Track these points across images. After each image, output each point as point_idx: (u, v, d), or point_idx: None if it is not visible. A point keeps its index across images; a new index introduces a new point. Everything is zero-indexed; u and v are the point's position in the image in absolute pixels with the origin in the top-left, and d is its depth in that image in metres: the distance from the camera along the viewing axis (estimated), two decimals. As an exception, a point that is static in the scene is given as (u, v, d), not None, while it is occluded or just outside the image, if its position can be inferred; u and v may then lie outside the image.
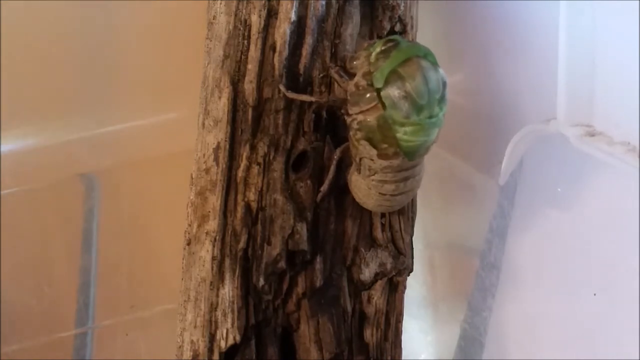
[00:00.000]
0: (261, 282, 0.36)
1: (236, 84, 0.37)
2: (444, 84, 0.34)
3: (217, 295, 0.37)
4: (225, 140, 0.37)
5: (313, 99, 0.37)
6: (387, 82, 0.33)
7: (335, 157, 0.37)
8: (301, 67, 0.37)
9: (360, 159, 0.35)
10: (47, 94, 0.52)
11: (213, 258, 0.37)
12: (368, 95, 0.34)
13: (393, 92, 0.33)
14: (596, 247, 0.41)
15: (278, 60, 0.37)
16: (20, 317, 0.53)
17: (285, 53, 0.37)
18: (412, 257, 0.40)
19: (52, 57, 0.51)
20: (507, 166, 0.43)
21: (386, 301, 0.39)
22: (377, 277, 0.39)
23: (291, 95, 0.37)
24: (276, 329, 0.38)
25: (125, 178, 0.54)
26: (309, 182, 0.38)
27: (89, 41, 0.51)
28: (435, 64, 0.34)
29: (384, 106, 0.33)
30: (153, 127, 0.53)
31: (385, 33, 0.39)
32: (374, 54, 0.34)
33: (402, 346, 0.41)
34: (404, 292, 0.40)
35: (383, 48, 0.34)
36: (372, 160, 0.35)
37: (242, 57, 0.38)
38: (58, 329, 0.53)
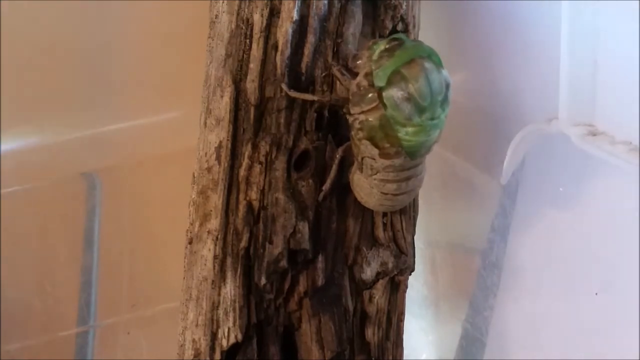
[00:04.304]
0: (263, 280, 0.36)
1: (238, 82, 0.38)
2: (447, 86, 0.34)
3: (219, 294, 0.37)
4: (227, 139, 0.37)
5: (315, 98, 0.37)
6: (390, 83, 0.33)
7: (337, 156, 0.37)
8: (303, 66, 0.38)
9: (362, 159, 0.35)
10: (48, 92, 0.52)
11: (215, 257, 0.37)
12: (370, 95, 0.34)
13: (396, 93, 0.33)
14: (597, 246, 0.41)
15: (280, 59, 0.37)
16: (22, 315, 0.53)
17: (288, 52, 0.37)
18: (414, 257, 0.40)
19: (54, 56, 0.51)
20: (509, 165, 0.43)
21: (387, 300, 0.39)
22: (378, 276, 0.39)
23: (293, 94, 0.37)
24: (278, 327, 0.38)
25: (127, 177, 0.54)
26: (310, 181, 0.38)
27: (91, 40, 0.51)
28: (439, 65, 0.34)
29: (385, 106, 0.33)
30: (155, 126, 0.53)
31: (388, 32, 0.39)
32: (377, 52, 0.34)
33: (404, 345, 0.41)
34: (405, 292, 0.40)
35: (387, 46, 0.34)
36: (374, 159, 0.35)
37: (244, 56, 0.38)
38: (59, 327, 0.53)
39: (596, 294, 0.40)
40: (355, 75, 0.35)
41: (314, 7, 0.37)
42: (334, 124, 0.38)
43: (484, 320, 0.48)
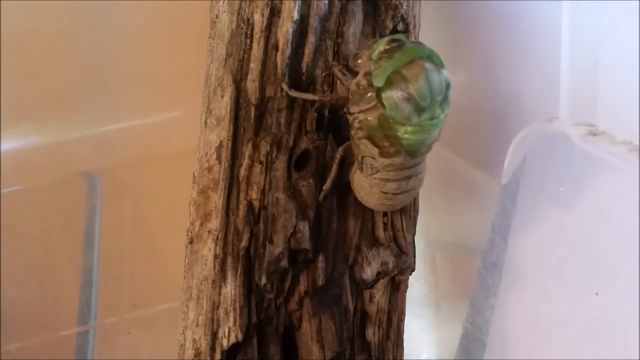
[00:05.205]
0: (263, 280, 0.36)
1: (239, 82, 0.38)
2: (448, 86, 0.34)
3: (219, 294, 0.37)
4: (228, 139, 0.37)
5: (316, 97, 0.37)
6: (390, 83, 0.33)
7: (338, 155, 0.37)
8: (304, 65, 0.38)
9: (362, 158, 0.35)
10: (49, 92, 0.52)
11: (215, 256, 0.37)
12: (368, 94, 0.34)
13: (396, 93, 0.33)
14: (598, 246, 0.41)
15: (281, 59, 0.37)
16: (22, 315, 0.53)
17: (288, 52, 0.37)
18: (414, 256, 0.40)
19: (54, 56, 0.51)
20: (510, 165, 0.43)
21: (388, 300, 0.39)
22: (379, 276, 0.39)
23: (294, 93, 0.37)
24: (278, 327, 0.38)
25: (128, 176, 0.54)
26: (311, 180, 0.38)
27: (91, 39, 0.51)
28: (439, 65, 0.34)
29: (383, 106, 0.33)
30: (155, 126, 0.53)
31: (388, 32, 0.39)
32: (376, 52, 0.34)
33: (404, 345, 0.41)
34: (405, 291, 0.40)
35: (387, 47, 0.34)
36: (374, 158, 0.35)
37: (245, 55, 0.38)
38: (60, 327, 0.53)
39: (596, 294, 0.40)
40: (355, 74, 0.35)
41: (315, 6, 0.37)
42: (334, 124, 0.38)
43: (485, 320, 0.48)
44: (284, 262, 0.36)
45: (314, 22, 0.37)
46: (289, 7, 0.37)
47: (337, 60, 0.38)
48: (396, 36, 0.35)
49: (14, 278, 0.52)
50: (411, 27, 0.40)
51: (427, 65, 0.33)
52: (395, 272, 0.39)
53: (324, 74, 0.38)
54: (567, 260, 0.43)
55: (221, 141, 0.37)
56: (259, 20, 0.37)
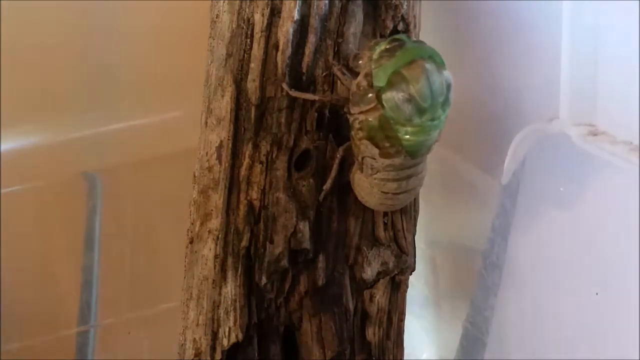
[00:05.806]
0: (263, 280, 0.36)
1: (239, 82, 0.38)
2: (449, 86, 0.34)
3: (220, 294, 0.37)
4: (228, 139, 0.37)
5: (316, 97, 0.37)
6: (390, 84, 0.33)
7: (338, 155, 0.37)
8: (304, 65, 0.38)
9: (363, 158, 0.35)
10: (49, 92, 0.52)
11: (215, 256, 0.37)
12: (369, 95, 0.34)
13: (397, 94, 0.33)
14: (598, 246, 0.41)
15: (281, 59, 0.37)
16: (23, 315, 0.53)
17: (288, 52, 0.37)
18: (415, 256, 0.40)
19: (54, 56, 0.51)
20: (510, 165, 0.43)
21: (388, 300, 0.39)
22: (379, 275, 0.39)
23: (294, 93, 0.37)
24: (278, 327, 0.38)
25: (128, 176, 0.54)
26: (311, 180, 0.38)
27: (92, 39, 0.51)
28: (441, 65, 0.33)
29: (383, 107, 0.33)
30: (156, 126, 0.53)
31: (388, 32, 0.39)
32: (377, 51, 0.34)
33: (404, 345, 0.41)
34: (406, 291, 0.40)
35: (387, 47, 0.34)
36: (374, 159, 0.35)
37: (245, 55, 0.38)
38: (60, 327, 0.53)
39: (596, 294, 0.40)
40: (356, 75, 0.35)
41: (315, 6, 0.37)
42: (335, 124, 0.38)
43: (485, 320, 0.48)
44: (284, 262, 0.37)
45: (314, 22, 0.37)
46: (289, 7, 0.37)
47: (337, 60, 0.38)
48: (397, 36, 0.35)
49: (14, 278, 0.52)
50: (411, 27, 0.40)
51: (428, 65, 0.33)
52: (396, 272, 0.39)
53: (324, 74, 0.38)
54: (567, 260, 0.43)
55: (221, 141, 0.37)
56: (259, 20, 0.37)
